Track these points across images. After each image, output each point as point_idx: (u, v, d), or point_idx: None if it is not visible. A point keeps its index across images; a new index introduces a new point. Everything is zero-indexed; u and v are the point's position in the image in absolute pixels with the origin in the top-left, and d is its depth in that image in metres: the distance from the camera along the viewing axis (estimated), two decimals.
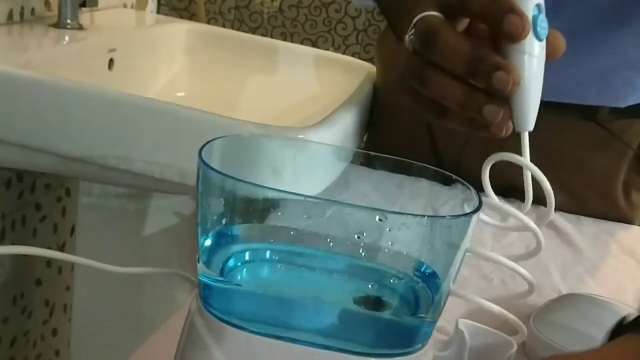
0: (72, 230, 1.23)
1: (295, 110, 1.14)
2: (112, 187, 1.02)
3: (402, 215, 0.37)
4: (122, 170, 0.79)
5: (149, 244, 1.03)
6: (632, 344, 0.45)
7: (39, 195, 1.13)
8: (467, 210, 0.40)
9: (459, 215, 0.38)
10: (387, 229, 0.38)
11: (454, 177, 0.44)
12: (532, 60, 0.45)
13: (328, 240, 0.40)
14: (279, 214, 0.40)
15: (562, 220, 0.94)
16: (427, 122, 0.96)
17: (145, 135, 0.78)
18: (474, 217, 0.39)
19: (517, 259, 0.47)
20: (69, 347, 1.19)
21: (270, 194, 0.38)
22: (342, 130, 0.84)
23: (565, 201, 0.97)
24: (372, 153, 0.50)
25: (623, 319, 0.62)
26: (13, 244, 1.08)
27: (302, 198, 0.36)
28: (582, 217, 0.96)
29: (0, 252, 0.49)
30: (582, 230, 0.93)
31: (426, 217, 0.36)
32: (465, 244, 0.40)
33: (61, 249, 1.21)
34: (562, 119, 0.93)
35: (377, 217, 0.37)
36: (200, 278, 0.41)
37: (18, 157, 0.83)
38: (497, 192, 0.92)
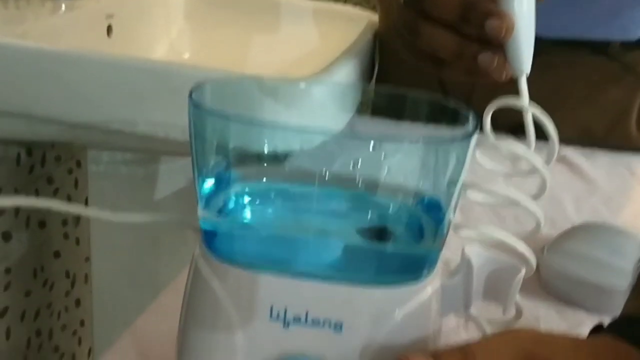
0: (86, 202, 1.23)
1: (300, 64, 1.13)
2: (120, 153, 1.02)
3: (397, 143, 0.36)
4: (126, 133, 0.79)
5: (162, 208, 1.03)
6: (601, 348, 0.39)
7: (50, 169, 1.13)
8: None
9: (454, 139, 0.37)
10: (382, 158, 0.37)
11: (451, 101, 0.43)
12: (521, 4, 0.45)
13: (324, 174, 0.40)
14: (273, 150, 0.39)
15: (575, 154, 0.93)
16: None
17: (146, 96, 0.77)
18: (472, 140, 0.38)
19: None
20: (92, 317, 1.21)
21: (260, 129, 0.37)
22: (342, 80, 0.83)
23: (579, 136, 0.95)
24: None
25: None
26: (28, 218, 1.09)
27: (294, 130, 0.36)
28: (596, 150, 0.95)
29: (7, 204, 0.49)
30: (596, 163, 0.92)
31: (421, 142, 0.35)
32: (466, 168, 0.39)
33: (76, 221, 1.22)
34: (572, 55, 0.92)
35: (371, 146, 0.36)
36: (201, 222, 0.41)
37: (23, 128, 0.83)
38: (507, 131, 0.92)
